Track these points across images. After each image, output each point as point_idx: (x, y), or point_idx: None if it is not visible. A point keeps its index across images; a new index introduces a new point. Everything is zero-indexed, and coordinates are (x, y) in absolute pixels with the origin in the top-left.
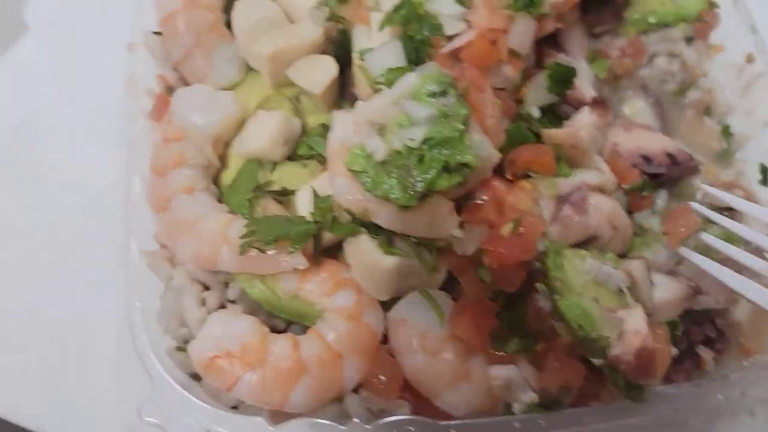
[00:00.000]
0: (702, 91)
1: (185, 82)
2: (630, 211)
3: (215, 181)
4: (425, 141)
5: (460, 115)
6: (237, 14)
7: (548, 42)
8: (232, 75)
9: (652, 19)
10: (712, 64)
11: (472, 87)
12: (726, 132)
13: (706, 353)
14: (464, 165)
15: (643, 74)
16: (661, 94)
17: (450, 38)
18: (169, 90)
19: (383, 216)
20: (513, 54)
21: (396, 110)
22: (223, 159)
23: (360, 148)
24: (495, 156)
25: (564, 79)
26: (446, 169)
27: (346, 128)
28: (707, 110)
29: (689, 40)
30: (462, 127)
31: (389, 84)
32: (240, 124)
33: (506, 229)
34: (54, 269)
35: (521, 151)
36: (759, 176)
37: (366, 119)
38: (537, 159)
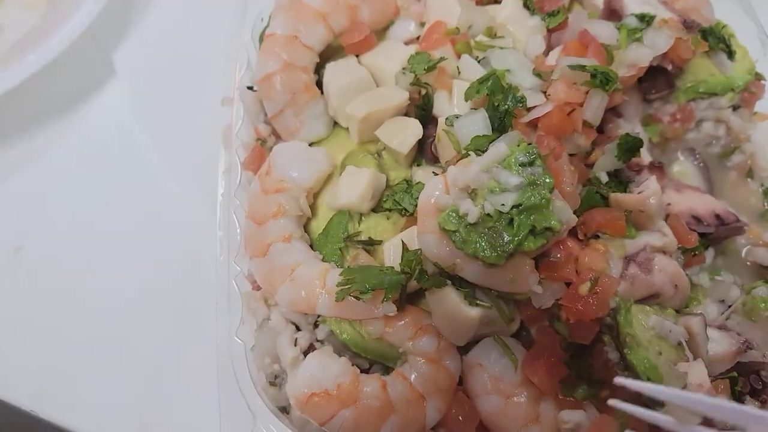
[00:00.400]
0: (745, 154)
1: (277, 135)
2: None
3: (306, 228)
4: (515, 206)
5: (546, 184)
6: (329, 76)
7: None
8: (321, 131)
9: (702, 89)
10: (756, 130)
11: (551, 155)
12: (767, 195)
13: (752, 404)
14: (548, 229)
15: (690, 138)
16: (707, 156)
17: (529, 109)
18: (262, 142)
19: (470, 272)
20: (586, 125)
21: (488, 177)
22: (312, 209)
23: (453, 209)
24: (573, 220)
25: (632, 148)
26: (533, 232)
27: (437, 189)
28: (749, 173)
29: (735, 107)
30: (549, 194)
31: (475, 150)
32: (329, 178)
33: (584, 288)
34: (160, 306)
35: (594, 215)
36: None
37: (459, 184)
38: (609, 222)
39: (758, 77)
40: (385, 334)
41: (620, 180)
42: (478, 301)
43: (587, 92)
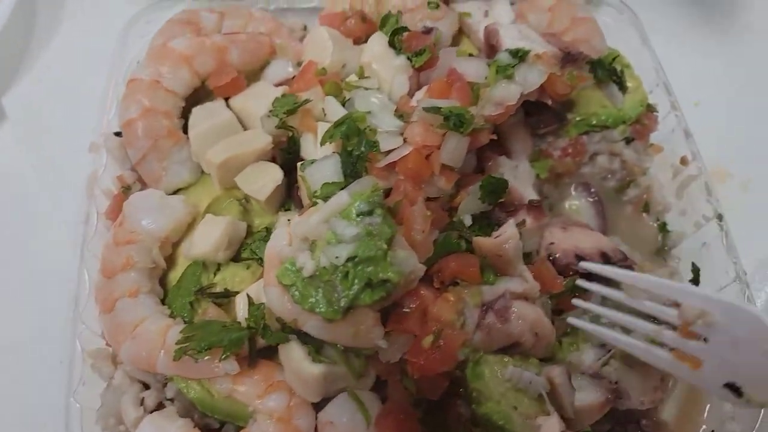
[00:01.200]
0: (641, 188)
1: (142, 183)
2: (561, 310)
3: (163, 280)
4: (350, 259)
5: (385, 234)
6: (193, 120)
7: (492, 144)
8: (186, 177)
9: (593, 121)
10: (652, 163)
11: (405, 199)
12: (663, 229)
13: None
14: (386, 281)
15: (585, 172)
16: (602, 191)
17: (387, 152)
18: (127, 190)
19: (311, 327)
20: (446, 168)
21: (325, 228)
22: (171, 259)
23: (290, 262)
24: (419, 270)
25: (496, 190)
26: (369, 284)
27: (281, 240)
28: (646, 207)
29: (629, 140)
30: (385, 246)
31: (325, 198)
32: (190, 225)
33: (427, 342)
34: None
35: (448, 262)
36: (691, 275)
37: (299, 235)
38: (462, 269)
39: (650, 109)
40: (233, 392)
41: (490, 223)
42: (321, 358)
43: (444, 134)
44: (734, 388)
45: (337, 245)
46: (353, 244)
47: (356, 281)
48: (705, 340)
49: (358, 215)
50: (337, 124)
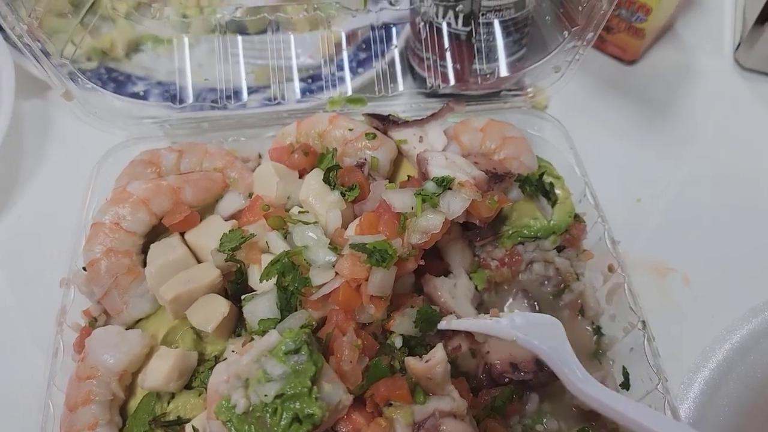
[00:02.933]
0: (575, 293)
1: (107, 315)
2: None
3: (124, 408)
4: (278, 396)
5: (309, 371)
6: (150, 257)
7: (431, 258)
8: (146, 308)
9: (525, 232)
10: (585, 269)
11: (336, 330)
12: (597, 332)
13: None
14: (312, 415)
15: (522, 279)
16: (540, 296)
17: (320, 286)
18: (93, 322)
19: None
20: (375, 297)
21: (257, 367)
22: (132, 388)
23: (226, 399)
24: (346, 399)
25: (431, 320)
26: (297, 419)
27: (221, 377)
28: (581, 311)
29: (561, 249)
30: (309, 384)
31: (262, 333)
32: (148, 356)
33: None
34: None
35: (378, 387)
36: (621, 378)
37: (233, 373)
38: (393, 393)
39: (578, 219)
40: None
41: (423, 343)
42: None
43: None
44: None
45: (266, 383)
46: (281, 382)
47: (284, 416)
48: None
49: (285, 353)
50: (273, 262)
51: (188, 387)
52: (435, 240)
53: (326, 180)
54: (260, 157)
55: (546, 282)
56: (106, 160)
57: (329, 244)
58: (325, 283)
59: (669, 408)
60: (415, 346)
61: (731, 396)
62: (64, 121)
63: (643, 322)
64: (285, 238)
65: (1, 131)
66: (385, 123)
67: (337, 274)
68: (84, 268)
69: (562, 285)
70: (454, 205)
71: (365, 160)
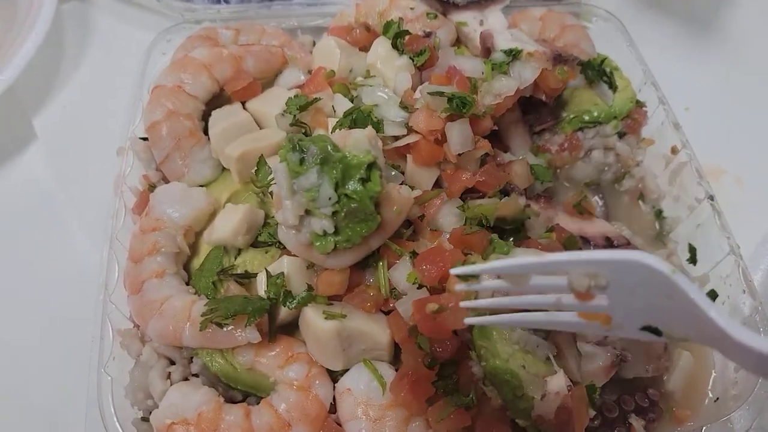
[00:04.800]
0: (635, 179)
1: (166, 181)
2: None
3: (186, 266)
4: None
5: (334, 156)
6: (212, 121)
7: (494, 142)
8: (207, 174)
9: (586, 117)
10: (645, 155)
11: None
12: (658, 216)
13: (637, 422)
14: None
15: (583, 165)
16: (601, 182)
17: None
18: (152, 188)
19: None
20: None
21: (299, 195)
22: (195, 248)
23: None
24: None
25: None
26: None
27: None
28: (641, 196)
29: (622, 135)
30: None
31: None
32: (211, 217)
33: (431, 308)
34: (35, 342)
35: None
36: (688, 255)
37: (291, 220)
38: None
39: (639, 104)
40: (256, 363)
41: None
42: (333, 312)
43: (446, 119)
44: (652, 329)
45: (318, 195)
46: (321, 178)
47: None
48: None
49: (299, 164)
50: (347, 114)
51: (254, 245)
52: (507, 106)
53: (394, 45)
54: (314, 44)
55: (606, 169)
56: (160, 41)
57: (399, 103)
58: (401, 137)
59: (742, 274)
60: None
61: None
62: (104, 22)
63: (712, 196)
64: (351, 102)
65: (43, 29)
66: (444, 5)
67: (411, 130)
68: (142, 138)
69: (623, 171)
70: (525, 72)
71: (431, 31)
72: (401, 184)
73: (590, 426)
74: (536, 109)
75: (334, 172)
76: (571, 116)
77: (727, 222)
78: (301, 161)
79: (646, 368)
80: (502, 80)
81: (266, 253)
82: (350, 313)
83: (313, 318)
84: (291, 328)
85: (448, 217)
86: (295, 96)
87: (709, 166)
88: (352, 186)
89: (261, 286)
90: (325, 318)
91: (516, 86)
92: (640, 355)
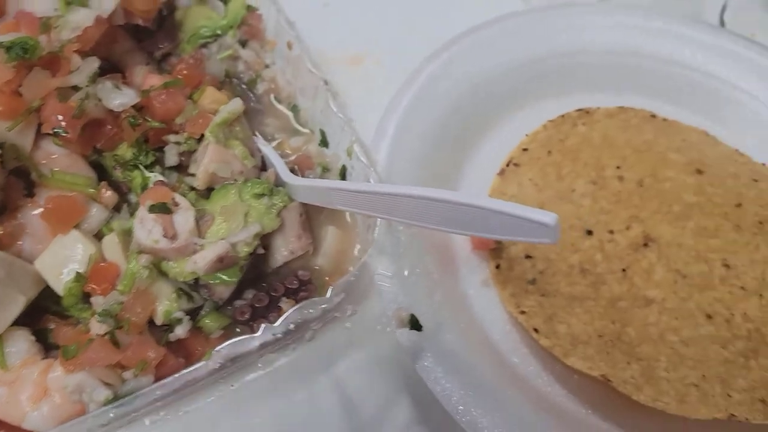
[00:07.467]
0: (267, 81)
1: None
2: None
3: None
4: None
5: None
6: None
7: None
8: None
9: (205, 33)
10: (274, 57)
11: None
12: (295, 110)
13: (287, 304)
14: None
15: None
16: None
17: None
18: None
19: None
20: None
21: None
22: None
23: None
24: None
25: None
26: None
27: None
28: (278, 97)
29: (244, 42)
30: None
31: None
32: None
33: None
34: None
35: None
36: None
37: None
38: None
39: (251, 9)
40: None
41: None
42: None
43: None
44: None
45: None
46: None
47: None
48: None
49: None
50: None
51: None
52: (93, 38)
53: None
54: None
55: (240, 78)
56: None
57: None
58: None
59: (358, 145)
60: None
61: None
62: None
63: (325, 81)
64: None
65: None
66: None
67: None
68: None
69: (255, 76)
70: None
71: None
72: None
73: (241, 320)
74: (149, 35)
75: None
76: (189, 35)
77: (344, 102)
78: None
79: (285, 253)
80: (79, 12)
81: None
82: None
83: None
84: None
85: None
86: None
87: (351, 55)
88: None
89: None
90: None
91: (95, 15)
92: (278, 241)
